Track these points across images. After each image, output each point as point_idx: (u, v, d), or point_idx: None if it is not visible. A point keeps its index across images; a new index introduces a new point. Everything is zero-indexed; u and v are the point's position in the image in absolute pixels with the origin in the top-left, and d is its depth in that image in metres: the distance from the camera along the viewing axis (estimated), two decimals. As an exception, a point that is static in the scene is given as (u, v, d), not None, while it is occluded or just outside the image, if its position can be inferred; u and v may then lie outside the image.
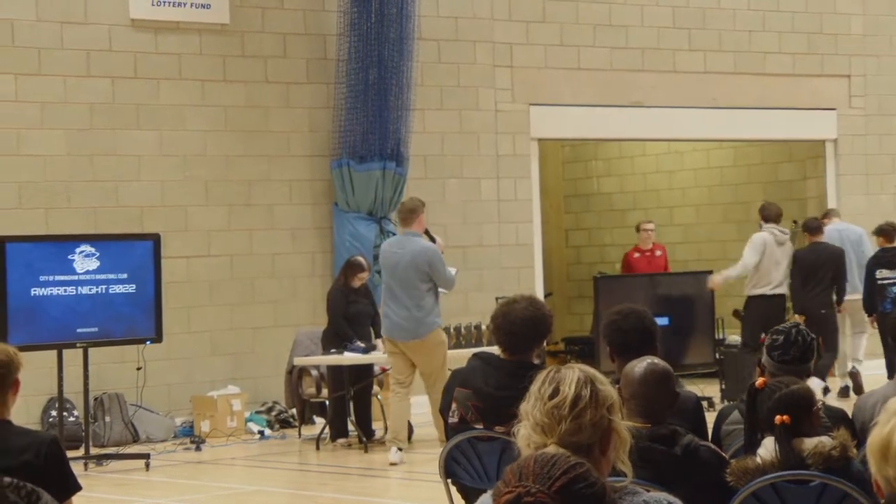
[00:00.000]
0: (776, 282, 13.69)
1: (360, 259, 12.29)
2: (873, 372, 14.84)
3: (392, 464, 10.71)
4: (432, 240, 11.13)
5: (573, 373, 3.16)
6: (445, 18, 14.56)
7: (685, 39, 15.79)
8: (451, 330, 12.03)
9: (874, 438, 2.71)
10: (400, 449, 10.85)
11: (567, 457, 2.47)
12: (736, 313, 16.58)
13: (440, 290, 11.04)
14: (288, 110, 13.75)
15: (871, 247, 14.43)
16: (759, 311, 13.56)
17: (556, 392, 3.13)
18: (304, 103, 13.82)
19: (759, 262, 13.63)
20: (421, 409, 12.59)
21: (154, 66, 13.11)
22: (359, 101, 13.64)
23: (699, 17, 15.84)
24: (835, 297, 13.89)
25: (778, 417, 4.56)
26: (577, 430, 3.08)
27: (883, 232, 14.08)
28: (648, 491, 3.17)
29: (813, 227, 14.11)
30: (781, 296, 13.78)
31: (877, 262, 13.85)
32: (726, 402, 12.38)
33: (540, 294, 15.02)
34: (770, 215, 13.85)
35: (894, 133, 16.81)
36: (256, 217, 13.55)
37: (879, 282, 13.68)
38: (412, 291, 10.73)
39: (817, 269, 13.72)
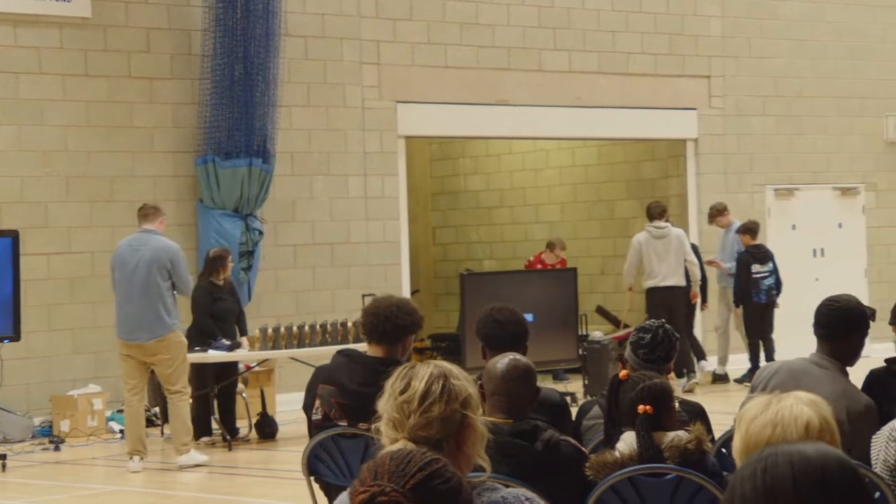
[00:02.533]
0: (663, 274, 14.43)
1: (222, 251, 12.16)
2: (739, 366, 15.21)
3: (134, 472, 10.52)
4: None
5: (427, 368, 3.18)
6: (312, 15, 14.50)
7: (550, 39, 15.95)
8: (318, 327, 11.98)
9: (737, 445, 2.84)
10: (141, 458, 10.60)
11: (423, 453, 2.47)
12: (599, 310, 16.85)
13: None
14: (151, 106, 13.57)
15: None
16: (654, 303, 14.41)
17: (406, 387, 3.16)
18: (169, 99, 13.65)
19: (642, 260, 14.47)
20: (286, 406, 12.55)
21: (12, 60, 12.82)
22: (224, 97, 13.51)
23: (564, 17, 16.02)
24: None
25: (641, 407, 4.64)
26: (427, 425, 3.10)
27: (749, 230, 15.16)
28: (507, 486, 3.20)
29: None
30: (676, 288, 14.51)
31: (750, 257, 14.92)
32: (588, 398, 12.55)
33: (406, 291, 15.07)
34: (651, 214, 14.69)
35: (752, 133, 17.19)
36: (119, 213, 13.34)
37: (754, 275, 14.82)
38: (153, 289, 10.47)
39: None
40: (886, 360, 5.66)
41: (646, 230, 14.58)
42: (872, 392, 5.39)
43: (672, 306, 14.20)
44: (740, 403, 5.43)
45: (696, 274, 14.67)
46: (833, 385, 5.14)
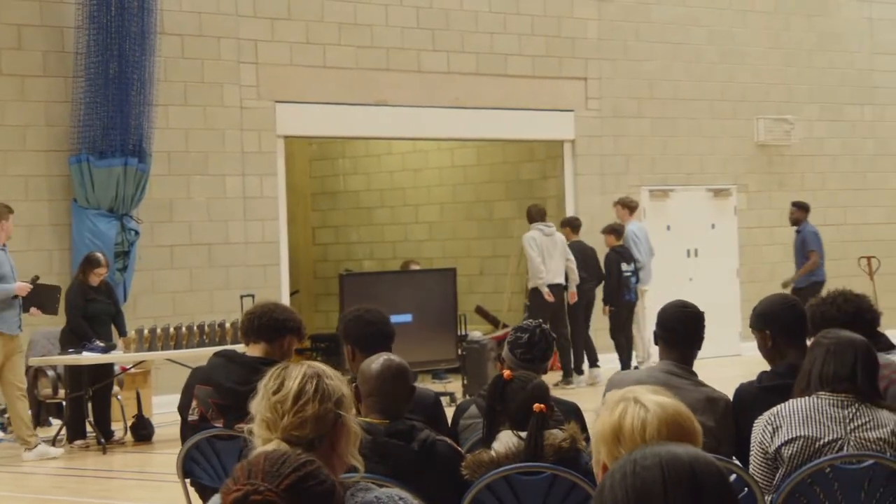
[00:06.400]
0: (552, 273, 14.77)
1: (98, 255, 12.01)
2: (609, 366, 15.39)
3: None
4: None
5: (300, 368, 3.19)
6: (189, 13, 14.35)
7: (429, 40, 16.00)
8: (195, 328, 11.86)
9: (604, 426, 2.81)
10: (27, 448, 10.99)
11: (298, 454, 2.48)
12: (478, 310, 16.94)
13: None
14: (23, 104, 13.31)
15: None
16: (542, 302, 14.60)
17: (280, 387, 3.17)
18: (41, 97, 13.40)
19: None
20: (162, 408, 12.40)
21: None
22: (99, 96, 13.31)
23: (442, 18, 16.08)
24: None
25: (537, 406, 4.67)
26: (301, 425, 3.11)
27: (615, 230, 15.47)
28: (381, 486, 3.21)
29: (576, 225, 15.54)
30: (561, 286, 14.86)
31: (619, 257, 15.25)
32: (467, 397, 12.63)
33: (286, 291, 15.00)
34: (534, 216, 15.04)
35: (628, 134, 17.43)
36: (-10, 213, 13.05)
37: (624, 274, 15.22)
38: None
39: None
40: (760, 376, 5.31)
41: (536, 229, 14.86)
42: (744, 413, 5.04)
43: (558, 303, 14.70)
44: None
45: (576, 274, 15.01)
46: (696, 392, 5.13)
